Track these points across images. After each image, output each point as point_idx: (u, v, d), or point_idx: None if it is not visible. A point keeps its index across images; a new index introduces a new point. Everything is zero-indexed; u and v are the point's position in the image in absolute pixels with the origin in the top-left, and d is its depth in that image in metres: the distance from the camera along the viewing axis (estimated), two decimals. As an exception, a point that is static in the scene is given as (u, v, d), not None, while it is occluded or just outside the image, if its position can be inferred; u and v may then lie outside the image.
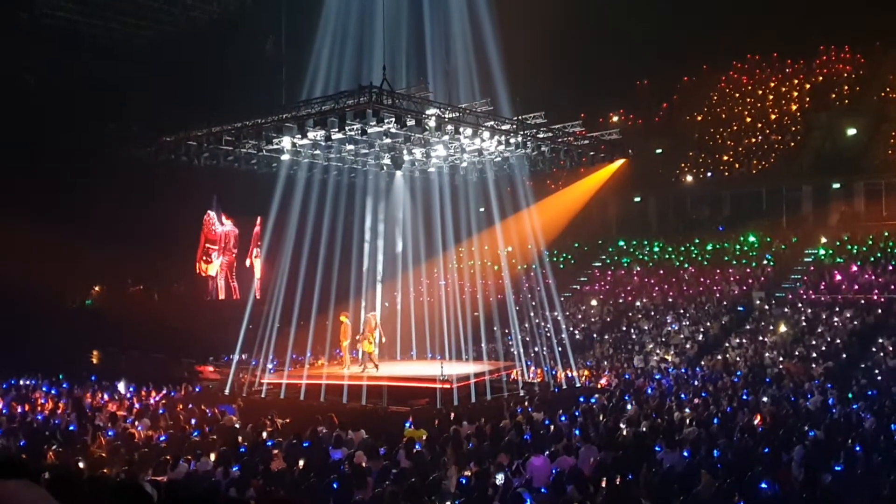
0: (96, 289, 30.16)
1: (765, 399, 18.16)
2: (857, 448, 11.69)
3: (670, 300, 31.64)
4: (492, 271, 33.01)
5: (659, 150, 40.42)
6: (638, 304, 32.13)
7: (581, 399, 18.43)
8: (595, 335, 29.86)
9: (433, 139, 22.05)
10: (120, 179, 24.19)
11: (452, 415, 15.82)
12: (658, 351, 27.13)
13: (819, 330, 26.32)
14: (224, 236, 30.87)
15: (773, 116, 40.44)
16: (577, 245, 38.67)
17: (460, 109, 20.76)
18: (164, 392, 20.59)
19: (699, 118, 42.39)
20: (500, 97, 22.80)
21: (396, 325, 27.05)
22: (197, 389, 21.80)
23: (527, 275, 31.17)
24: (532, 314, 28.37)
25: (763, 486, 9.04)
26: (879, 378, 21.75)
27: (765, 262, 32.61)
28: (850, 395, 18.88)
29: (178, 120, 22.30)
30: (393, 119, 19.21)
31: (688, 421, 14.75)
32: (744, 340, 26.76)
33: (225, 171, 23.47)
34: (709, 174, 38.46)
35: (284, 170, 24.16)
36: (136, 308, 27.66)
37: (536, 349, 25.78)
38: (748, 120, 40.95)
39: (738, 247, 34.31)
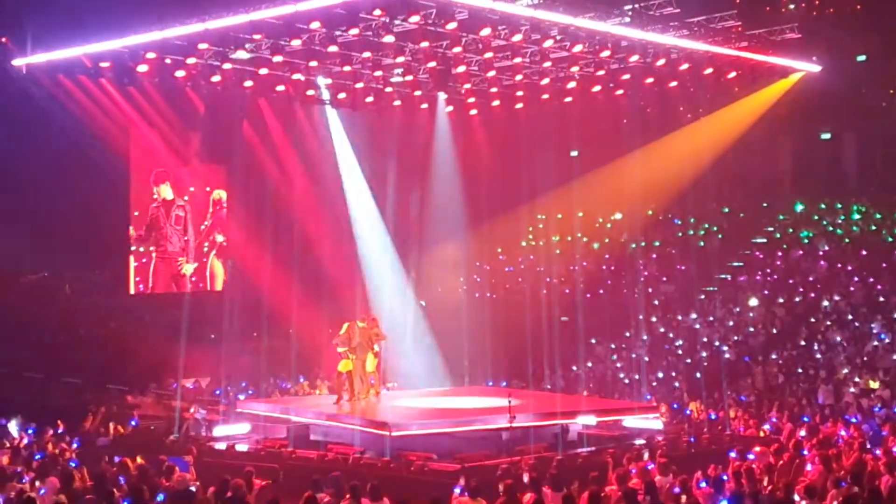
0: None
1: None
2: None
3: (879, 298, 31.25)
4: (588, 251, 33.04)
5: (862, 57, 39.64)
6: (825, 303, 31.81)
7: (732, 454, 18.44)
8: (755, 354, 29.72)
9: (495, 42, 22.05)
10: (8, 109, 24.73)
11: (528, 476, 15.97)
12: (857, 378, 26.91)
13: None
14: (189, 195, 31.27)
15: None
16: (726, 210, 38.30)
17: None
18: (80, 436, 21.01)
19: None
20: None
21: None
22: (132, 423, 22.37)
23: (645, 257, 31.06)
24: (653, 319, 28.31)
25: None
26: None
27: None
28: None
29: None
30: (433, 11, 19.29)
31: (905, 491, 14.64)
32: None
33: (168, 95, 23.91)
34: (946, 95, 37.72)
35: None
36: (36, 307, 28.32)
37: (660, 375, 25.79)
38: None
39: None
